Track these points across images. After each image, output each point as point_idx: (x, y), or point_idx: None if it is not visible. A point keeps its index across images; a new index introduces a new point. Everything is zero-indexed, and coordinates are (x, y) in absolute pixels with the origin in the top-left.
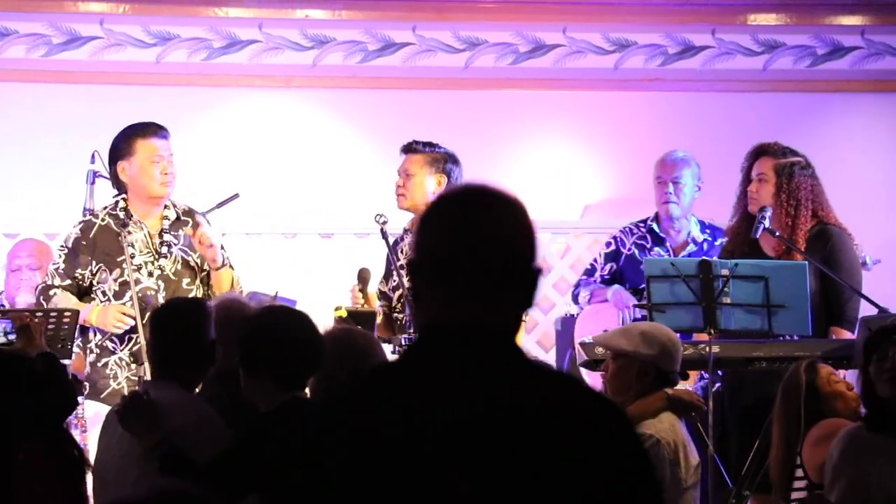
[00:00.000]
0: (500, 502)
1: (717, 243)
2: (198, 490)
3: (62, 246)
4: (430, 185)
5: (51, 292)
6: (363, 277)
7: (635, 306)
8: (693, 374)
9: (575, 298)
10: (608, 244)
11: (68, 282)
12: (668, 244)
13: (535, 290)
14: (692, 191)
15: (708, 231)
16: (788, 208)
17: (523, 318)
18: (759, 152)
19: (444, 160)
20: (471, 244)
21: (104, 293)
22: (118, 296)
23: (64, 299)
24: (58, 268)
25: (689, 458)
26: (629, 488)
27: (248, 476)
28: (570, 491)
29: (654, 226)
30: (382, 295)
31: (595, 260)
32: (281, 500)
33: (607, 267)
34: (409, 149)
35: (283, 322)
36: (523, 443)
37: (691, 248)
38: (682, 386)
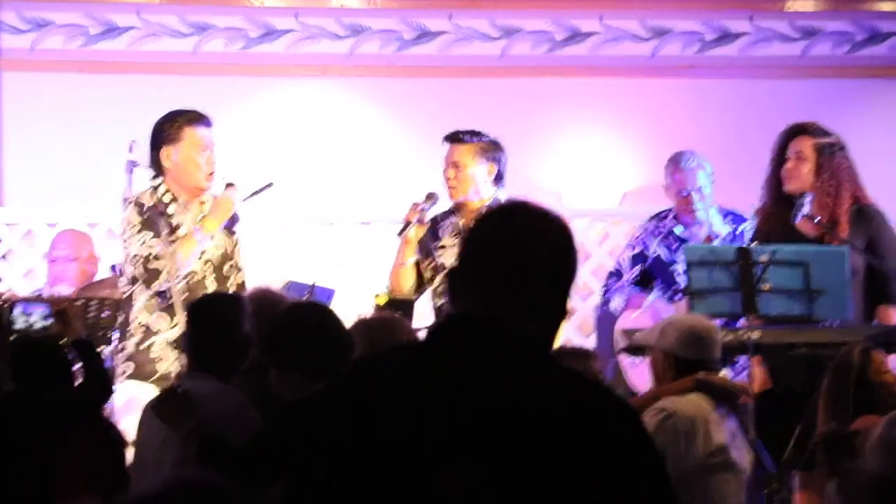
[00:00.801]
0: (499, 494)
1: (738, 231)
2: (225, 479)
3: (137, 229)
4: (480, 175)
5: (154, 266)
6: (431, 196)
7: (680, 292)
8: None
9: (606, 303)
10: (632, 247)
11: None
12: (694, 239)
13: (561, 299)
14: (710, 190)
15: (729, 218)
16: (829, 188)
17: (557, 326)
18: (797, 131)
19: (493, 148)
20: (500, 248)
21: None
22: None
23: (166, 252)
24: (149, 247)
25: (712, 436)
26: (633, 486)
27: (273, 465)
28: (569, 487)
29: (677, 230)
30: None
31: (619, 263)
32: (300, 488)
33: (635, 269)
34: (456, 139)
35: (306, 318)
36: (521, 435)
37: (715, 243)
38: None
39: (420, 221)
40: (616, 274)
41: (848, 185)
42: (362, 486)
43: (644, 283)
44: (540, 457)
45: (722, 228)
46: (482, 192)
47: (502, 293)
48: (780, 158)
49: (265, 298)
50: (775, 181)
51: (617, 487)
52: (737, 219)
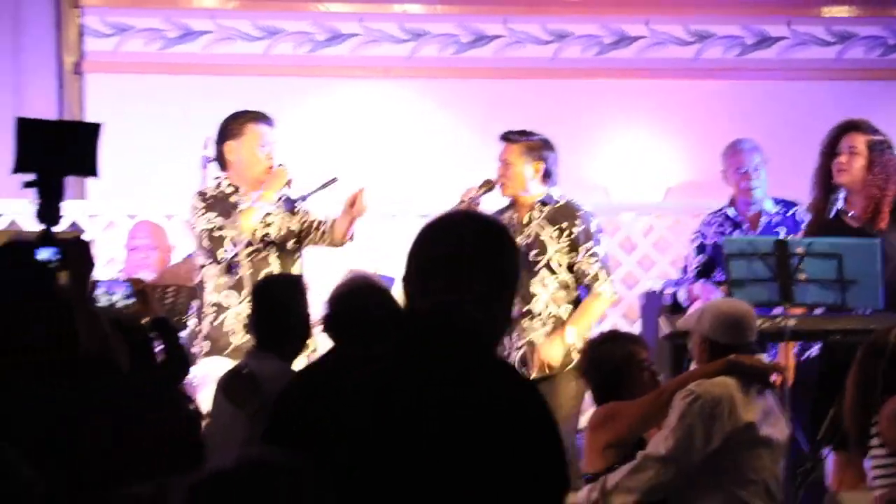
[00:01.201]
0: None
1: (790, 213)
2: (290, 458)
3: (203, 211)
4: (528, 173)
5: (218, 235)
6: (487, 182)
7: (716, 283)
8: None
9: (673, 298)
10: (694, 240)
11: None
12: (744, 226)
13: (498, 291)
14: (764, 174)
15: (780, 205)
16: (879, 181)
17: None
18: (849, 127)
19: (540, 147)
20: (436, 251)
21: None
22: (234, 260)
23: (234, 225)
24: (211, 221)
25: (739, 415)
26: (530, 442)
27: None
28: (483, 445)
29: (729, 211)
30: None
31: (686, 257)
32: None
33: (697, 259)
34: (506, 138)
35: (364, 291)
36: (444, 406)
37: (763, 219)
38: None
39: (471, 206)
40: (685, 269)
41: (894, 180)
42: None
43: (709, 270)
44: (462, 423)
45: (772, 208)
46: (531, 188)
47: (435, 288)
48: (830, 152)
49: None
50: (825, 174)
51: (517, 443)
52: (788, 204)
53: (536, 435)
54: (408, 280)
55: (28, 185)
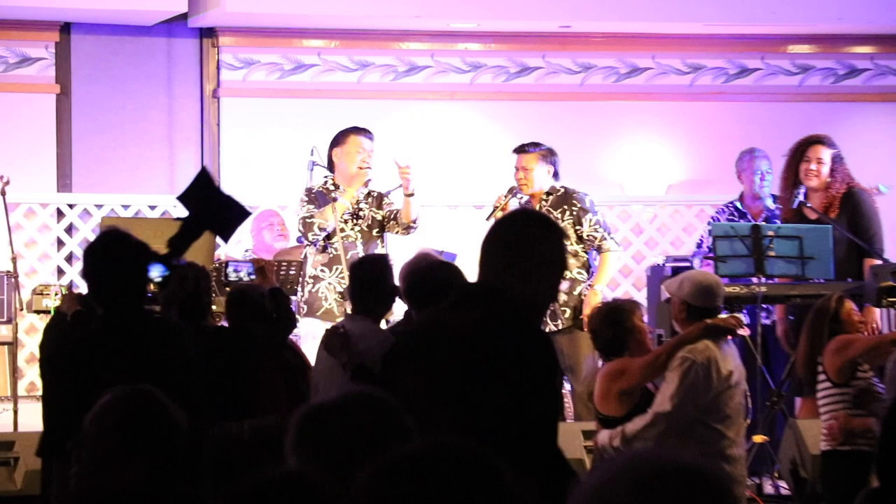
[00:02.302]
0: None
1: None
2: (378, 392)
3: (304, 203)
4: (543, 175)
5: (310, 220)
6: (511, 189)
7: (705, 258)
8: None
9: (672, 270)
10: (709, 224)
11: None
12: (749, 216)
13: (538, 270)
14: (771, 177)
15: (776, 202)
16: (835, 183)
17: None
18: (816, 141)
19: (549, 154)
20: (493, 239)
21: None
22: (329, 237)
23: (322, 217)
24: (311, 212)
25: (721, 368)
26: (528, 367)
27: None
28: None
29: (738, 204)
30: None
31: (702, 237)
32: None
33: (710, 239)
34: (522, 150)
35: (430, 265)
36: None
37: (765, 213)
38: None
39: (503, 209)
40: (699, 245)
41: (846, 180)
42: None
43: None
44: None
45: (771, 205)
46: (544, 185)
47: (496, 268)
48: (799, 159)
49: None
50: (794, 175)
51: (526, 364)
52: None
53: (538, 366)
54: (481, 263)
55: (181, 218)
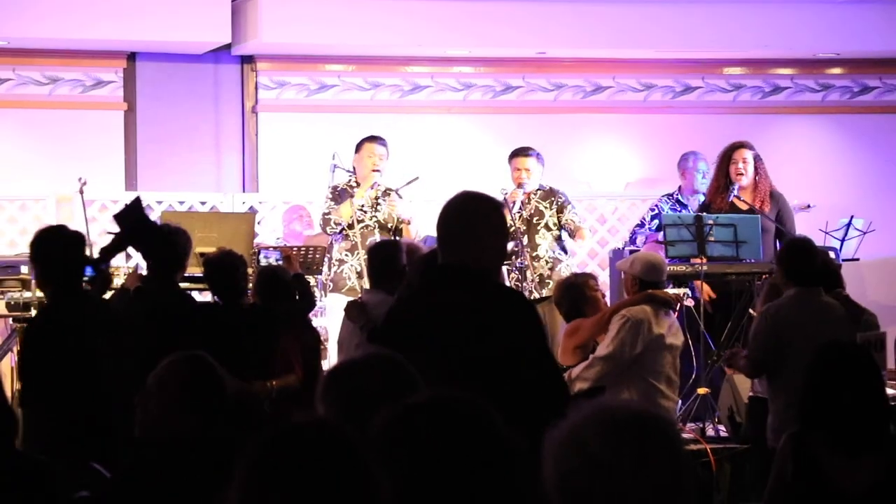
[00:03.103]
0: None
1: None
2: (391, 353)
3: (328, 200)
4: (539, 175)
5: (328, 216)
6: (515, 190)
7: (656, 241)
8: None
9: (633, 240)
10: (652, 209)
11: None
12: (689, 207)
13: (485, 249)
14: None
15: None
16: (762, 182)
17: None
18: (740, 146)
19: (539, 157)
20: (443, 221)
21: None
22: (351, 227)
23: (337, 214)
24: (331, 207)
25: (653, 329)
26: (526, 332)
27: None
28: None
29: (679, 196)
30: None
31: (643, 218)
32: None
33: (653, 222)
34: (525, 154)
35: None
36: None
37: (700, 197)
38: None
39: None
40: (641, 225)
41: (768, 180)
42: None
43: (658, 230)
44: (486, 325)
45: (703, 198)
46: (538, 183)
47: (456, 245)
48: (728, 161)
49: (411, 247)
50: (723, 176)
51: (519, 334)
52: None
53: (525, 320)
54: (441, 241)
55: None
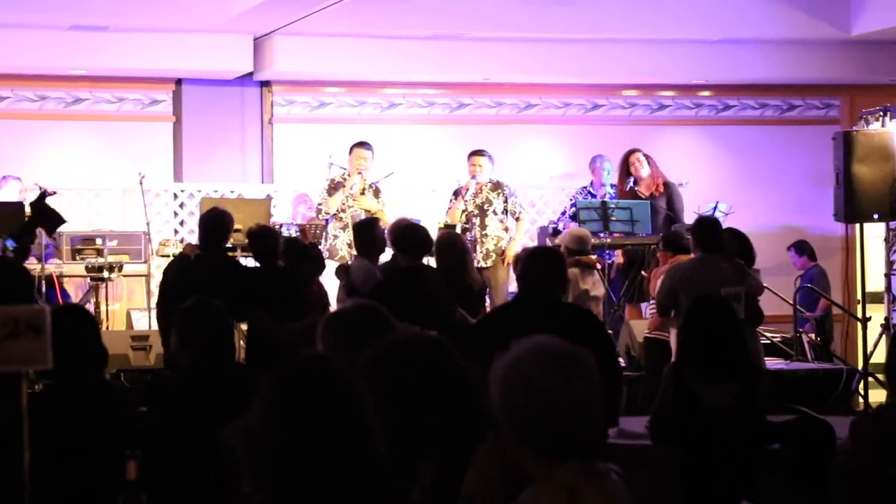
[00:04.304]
0: None
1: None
2: (373, 304)
3: (324, 191)
4: (489, 170)
5: (320, 207)
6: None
7: (571, 218)
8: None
9: (556, 226)
10: (571, 200)
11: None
12: (597, 197)
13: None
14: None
15: (613, 188)
16: (656, 175)
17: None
18: (634, 151)
19: (490, 157)
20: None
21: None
22: (343, 210)
23: (326, 206)
24: (323, 200)
25: (580, 286)
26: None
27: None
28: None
29: (590, 189)
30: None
31: (565, 208)
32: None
33: (570, 209)
34: (480, 153)
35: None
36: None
37: (606, 195)
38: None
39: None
40: (563, 213)
41: (660, 172)
42: None
43: (575, 217)
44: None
45: (610, 190)
46: (489, 177)
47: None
48: (626, 163)
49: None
50: (625, 173)
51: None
52: (613, 187)
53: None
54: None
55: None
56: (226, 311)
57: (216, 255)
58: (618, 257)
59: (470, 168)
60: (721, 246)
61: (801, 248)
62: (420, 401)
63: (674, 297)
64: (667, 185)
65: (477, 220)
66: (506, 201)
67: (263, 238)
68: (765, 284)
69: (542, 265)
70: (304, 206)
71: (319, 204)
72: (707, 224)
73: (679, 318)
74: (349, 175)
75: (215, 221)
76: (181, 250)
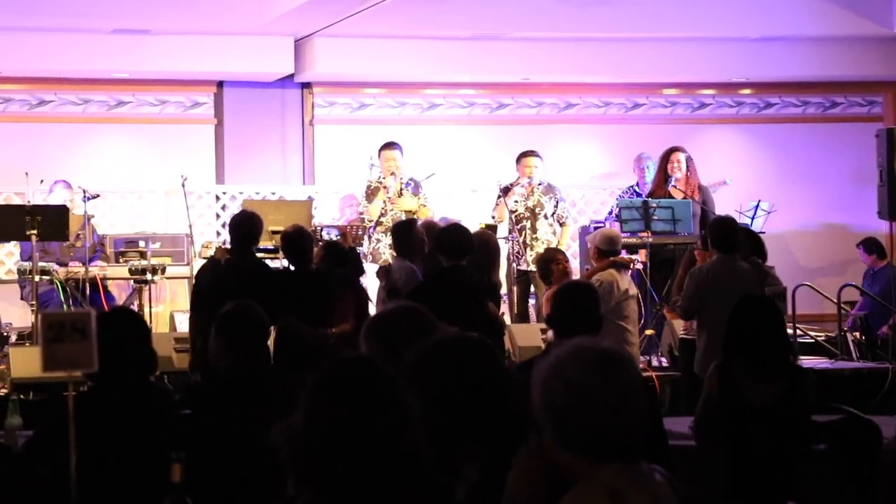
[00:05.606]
0: None
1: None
2: (415, 305)
3: (363, 198)
4: (542, 172)
5: (362, 216)
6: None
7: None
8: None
9: (602, 226)
10: (617, 200)
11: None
12: (642, 196)
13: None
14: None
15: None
16: (693, 177)
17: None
18: (675, 150)
19: (541, 158)
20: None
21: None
22: (384, 215)
23: (368, 213)
24: (364, 208)
25: (620, 287)
26: None
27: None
28: None
29: (636, 187)
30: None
31: (612, 209)
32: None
33: (616, 210)
34: (534, 154)
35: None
36: None
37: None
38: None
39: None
40: (609, 213)
41: (697, 176)
42: None
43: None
44: None
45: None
46: (541, 178)
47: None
48: (665, 161)
49: (431, 224)
50: (664, 172)
51: None
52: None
53: None
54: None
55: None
56: (264, 315)
57: (247, 258)
58: (641, 257)
59: (524, 169)
60: (738, 246)
61: (870, 245)
62: (462, 402)
63: (698, 300)
64: (701, 188)
65: (528, 224)
66: (556, 205)
67: (299, 240)
68: (807, 283)
69: (575, 306)
70: (350, 209)
71: (361, 213)
72: (723, 224)
73: (703, 318)
74: (384, 177)
75: (244, 224)
76: (212, 254)
